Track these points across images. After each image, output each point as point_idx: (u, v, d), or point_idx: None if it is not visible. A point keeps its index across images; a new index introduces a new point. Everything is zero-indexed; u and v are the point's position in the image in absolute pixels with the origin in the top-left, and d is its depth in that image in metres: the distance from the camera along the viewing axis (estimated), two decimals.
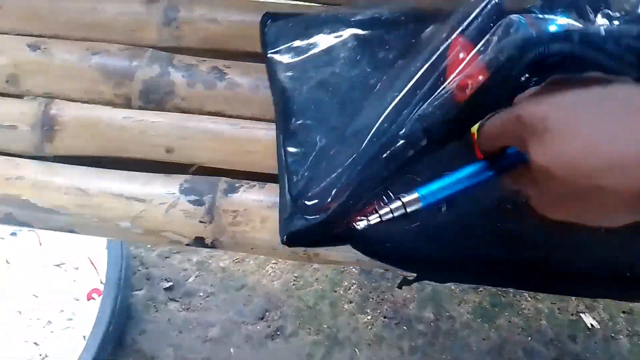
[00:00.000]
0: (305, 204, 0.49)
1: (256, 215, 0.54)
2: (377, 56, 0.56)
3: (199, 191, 0.55)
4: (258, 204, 0.54)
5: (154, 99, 0.59)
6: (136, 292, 1.13)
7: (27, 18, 0.64)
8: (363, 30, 0.57)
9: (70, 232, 0.57)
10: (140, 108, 0.59)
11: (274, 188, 0.55)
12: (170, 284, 1.12)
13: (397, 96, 0.47)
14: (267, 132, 0.57)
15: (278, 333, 1.10)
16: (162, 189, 0.56)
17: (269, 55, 0.57)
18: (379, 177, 0.46)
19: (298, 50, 0.57)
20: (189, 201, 0.55)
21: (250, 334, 1.10)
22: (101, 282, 1.06)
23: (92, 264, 1.08)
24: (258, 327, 1.10)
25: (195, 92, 0.59)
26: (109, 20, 0.62)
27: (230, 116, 0.58)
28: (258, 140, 0.57)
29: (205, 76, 0.59)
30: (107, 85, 0.60)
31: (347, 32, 0.57)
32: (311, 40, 0.57)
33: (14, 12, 0.64)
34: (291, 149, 0.53)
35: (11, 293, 1.07)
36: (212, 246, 0.55)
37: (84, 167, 0.58)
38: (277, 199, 0.53)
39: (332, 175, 0.49)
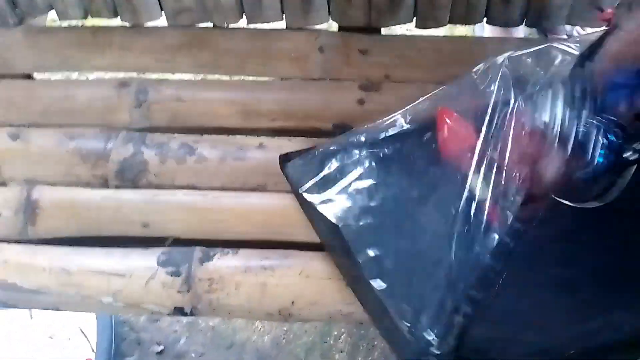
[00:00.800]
0: (428, 339, 0.49)
1: (230, 282, 0.57)
2: (405, 169, 0.58)
3: (175, 262, 0.58)
4: (232, 270, 0.57)
5: (129, 177, 0.63)
6: (128, 359, 1.14)
7: (6, 108, 0.68)
8: (379, 149, 0.59)
9: (55, 310, 0.60)
10: (116, 187, 0.63)
11: (247, 253, 0.58)
12: (161, 347, 1.13)
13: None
14: (236, 201, 0.61)
15: None
16: (141, 263, 0.59)
17: (302, 194, 0.59)
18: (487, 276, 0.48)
19: (326, 184, 0.58)
20: (167, 272, 0.58)
21: None
22: (93, 351, 1.07)
23: (83, 333, 1.09)
24: None
25: (167, 168, 0.63)
26: (83, 105, 0.67)
27: (200, 188, 0.62)
28: (228, 209, 0.61)
29: (176, 152, 0.63)
30: (85, 168, 0.63)
31: (365, 155, 0.59)
32: (333, 171, 0.59)
33: None
34: (376, 284, 0.53)
35: None
36: (192, 314, 0.58)
37: (66, 247, 0.61)
38: (250, 264, 0.57)
39: (436, 300, 0.49)
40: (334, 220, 0.56)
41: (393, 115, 0.57)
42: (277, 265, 0.58)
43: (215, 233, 0.60)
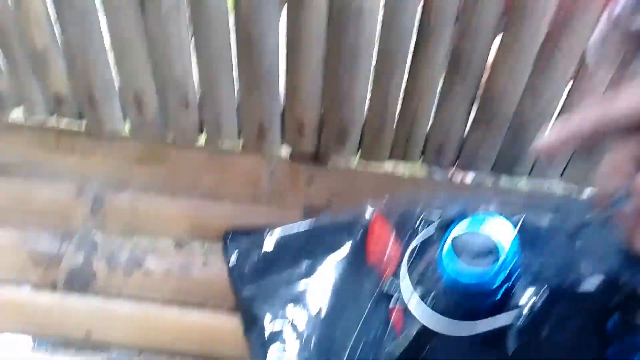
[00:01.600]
0: None
1: None
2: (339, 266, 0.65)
3: None
4: None
5: (78, 284, 0.66)
6: None
7: None
8: (318, 242, 0.66)
9: None
10: (65, 292, 0.66)
11: None
12: None
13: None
14: (177, 316, 0.65)
15: None
16: None
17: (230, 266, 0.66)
18: None
19: (258, 272, 0.66)
20: None
21: None
22: None
23: None
24: None
25: (115, 279, 0.67)
26: (40, 208, 0.70)
27: (145, 300, 0.66)
28: (170, 323, 0.65)
29: (125, 263, 0.67)
30: (36, 271, 0.67)
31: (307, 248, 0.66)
32: (270, 257, 0.66)
33: None
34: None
35: None
36: None
37: (8, 352, 0.64)
38: None
39: None
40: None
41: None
42: None
43: (155, 345, 0.65)
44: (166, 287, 0.67)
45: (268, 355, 0.60)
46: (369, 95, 0.68)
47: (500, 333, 0.44)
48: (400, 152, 0.74)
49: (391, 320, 0.55)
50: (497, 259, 0.41)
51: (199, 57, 0.66)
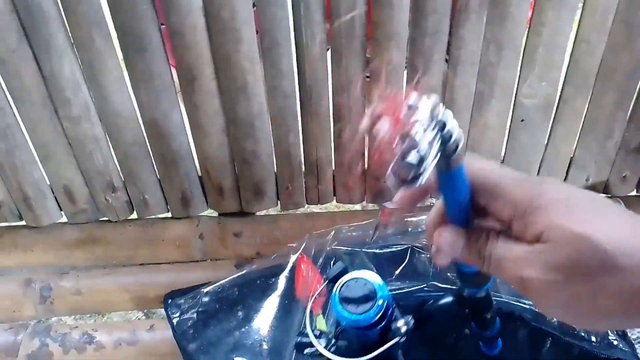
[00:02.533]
0: None
1: None
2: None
3: None
4: None
5: None
6: None
7: None
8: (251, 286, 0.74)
9: None
10: None
11: None
12: None
13: None
14: None
15: None
16: None
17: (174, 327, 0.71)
18: None
19: (199, 324, 0.71)
20: None
21: None
22: None
23: None
24: None
25: (70, 358, 0.72)
26: None
27: None
28: None
29: (77, 342, 0.73)
30: None
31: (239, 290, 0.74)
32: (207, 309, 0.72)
33: None
34: None
35: None
36: None
37: None
38: None
39: None
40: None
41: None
42: None
43: None
44: (118, 356, 0.73)
45: None
46: (273, 153, 0.77)
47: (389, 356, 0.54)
48: (314, 196, 0.82)
49: None
50: (375, 301, 0.51)
51: (114, 146, 0.73)
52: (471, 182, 0.34)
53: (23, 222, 0.79)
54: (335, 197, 0.83)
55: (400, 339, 0.53)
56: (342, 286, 0.54)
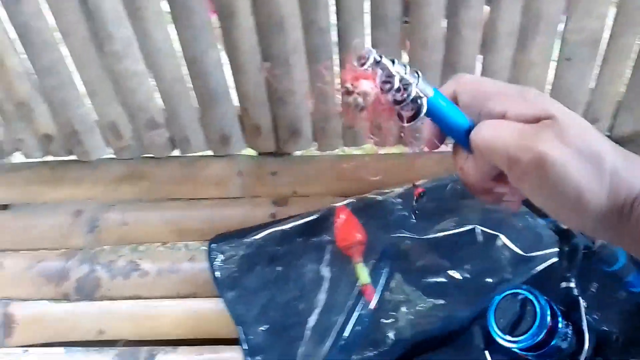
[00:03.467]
0: None
1: None
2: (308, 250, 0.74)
3: None
4: None
5: (86, 292, 0.77)
6: None
7: None
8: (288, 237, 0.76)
9: None
10: (75, 300, 0.77)
11: (184, 351, 0.72)
12: None
13: None
14: (172, 308, 0.75)
15: None
16: None
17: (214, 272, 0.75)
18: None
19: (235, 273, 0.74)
20: None
21: None
22: None
23: None
24: None
25: (116, 283, 0.77)
26: (44, 232, 0.81)
27: (144, 298, 0.76)
28: (167, 315, 0.75)
29: (123, 269, 0.77)
30: (49, 286, 0.78)
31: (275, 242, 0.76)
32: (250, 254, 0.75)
33: None
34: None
35: None
36: None
37: (38, 353, 0.75)
38: (188, 358, 0.71)
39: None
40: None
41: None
42: None
43: (157, 335, 0.75)
44: (160, 284, 0.77)
45: None
46: (310, 92, 0.77)
47: None
48: (350, 137, 0.82)
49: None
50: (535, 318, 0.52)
51: (157, 83, 0.76)
52: (462, 97, 0.35)
53: (73, 157, 0.84)
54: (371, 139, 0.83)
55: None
56: (495, 309, 0.55)
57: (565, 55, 0.74)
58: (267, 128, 0.81)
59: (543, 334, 0.51)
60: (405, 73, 0.32)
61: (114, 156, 0.84)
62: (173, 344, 0.74)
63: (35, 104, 0.77)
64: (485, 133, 0.32)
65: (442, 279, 0.68)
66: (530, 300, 0.52)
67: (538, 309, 0.51)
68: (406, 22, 0.73)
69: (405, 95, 0.32)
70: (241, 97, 0.77)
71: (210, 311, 0.74)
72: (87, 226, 0.81)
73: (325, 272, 0.72)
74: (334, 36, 0.72)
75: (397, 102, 0.33)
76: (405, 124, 0.33)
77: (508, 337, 0.52)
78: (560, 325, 0.52)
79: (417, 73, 0.33)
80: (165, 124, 0.80)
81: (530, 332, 0.51)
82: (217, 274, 0.74)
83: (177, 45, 0.73)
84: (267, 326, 0.70)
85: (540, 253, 0.66)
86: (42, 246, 0.81)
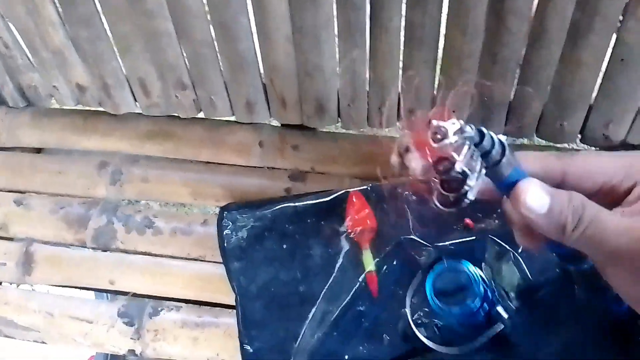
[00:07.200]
0: None
1: (170, 334, 0.74)
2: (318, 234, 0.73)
3: (131, 315, 0.75)
4: (173, 324, 0.74)
5: (102, 242, 0.80)
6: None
7: (14, 176, 0.86)
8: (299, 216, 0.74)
9: (42, 343, 0.78)
10: (92, 249, 0.80)
11: (187, 310, 0.75)
12: None
13: None
14: (181, 267, 0.77)
15: None
16: (106, 313, 0.76)
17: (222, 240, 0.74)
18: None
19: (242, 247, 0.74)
20: (124, 322, 0.75)
21: None
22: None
23: None
24: None
25: (131, 237, 0.79)
26: (71, 179, 0.84)
27: (155, 255, 0.78)
28: (175, 273, 0.77)
29: (138, 224, 0.79)
30: (69, 232, 0.81)
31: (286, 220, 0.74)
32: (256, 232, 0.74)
33: (3, 172, 0.86)
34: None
35: None
36: (141, 356, 0.75)
37: (53, 295, 0.79)
38: (188, 320, 0.73)
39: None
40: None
41: None
42: (208, 323, 0.74)
43: (163, 292, 0.77)
44: (172, 243, 0.79)
45: None
46: (338, 68, 0.74)
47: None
48: (377, 118, 0.79)
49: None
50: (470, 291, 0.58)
51: (185, 44, 0.75)
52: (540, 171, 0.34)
53: (104, 109, 0.85)
54: (398, 123, 0.80)
55: (501, 326, 0.59)
56: (435, 277, 0.60)
57: (620, 55, 0.67)
58: (292, 101, 0.79)
59: None
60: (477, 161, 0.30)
61: (141, 112, 0.85)
62: (178, 301, 0.76)
63: (69, 53, 0.79)
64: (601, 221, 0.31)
65: None
66: None
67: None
68: None
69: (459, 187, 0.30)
70: (268, 67, 0.76)
71: (216, 276, 0.75)
72: (111, 178, 0.83)
73: (332, 257, 0.71)
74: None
75: (445, 181, 0.31)
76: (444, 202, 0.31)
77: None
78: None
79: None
80: (193, 86, 0.80)
81: None
82: (225, 242, 0.74)
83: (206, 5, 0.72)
84: (266, 302, 0.70)
85: None
86: (67, 192, 0.84)
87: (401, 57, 0.72)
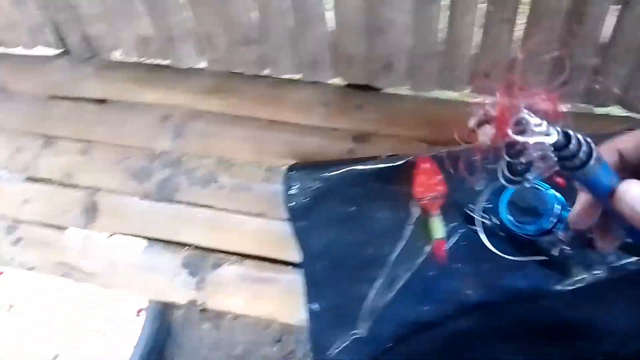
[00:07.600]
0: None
1: (231, 287, 0.75)
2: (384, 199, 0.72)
3: (193, 266, 0.76)
4: (233, 277, 0.75)
5: (165, 194, 0.81)
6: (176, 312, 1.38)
7: (78, 126, 0.87)
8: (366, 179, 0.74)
9: (105, 287, 0.80)
10: (155, 200, 0.81)
11: (248, 264, 0.75)
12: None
13: None
14: (242, 223, 0.77)
15: (291, 355, 1.30)
16: (170, 263, 0.77)
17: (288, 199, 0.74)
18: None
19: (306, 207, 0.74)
20: (187, 273, 0.76)
21: (267, 354, 1.31)
22: (148, 302, 1.29)
23: None
24: (274, 349, 1.32)
25: (194, 190, 0.80)
26: (135, 131, 0.85)
27: (217, 209, 0.79)
28: (237, 228, 0.77)
29: (201, 179, 0.80)
30: (133, 182, 0.82)
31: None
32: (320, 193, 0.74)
33: (68, 122, 0.87)
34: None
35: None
36: (202, 307, 0.76)
37: (116, 241, 0.81)
38: (249, 274, 0.74)
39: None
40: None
41: None
42: (268, 279, 0.75)
43: (223, 246, 0.78)
44: (234, 199, 0.79)
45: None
46: (410, 26, 0.72)
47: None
48: (447, 80, 0.77)
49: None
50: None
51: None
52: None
53: (167, 62, 0.85)
54: (470, 86, 0.77)
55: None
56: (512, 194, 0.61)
57: None
58: (359, 58, 0.77)
59: None
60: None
61: (205, 67, 0.85)
62: (241, 255, 0.77)
63: (136, 4, 0.78)
64: None
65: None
66: None
67: None
68: None
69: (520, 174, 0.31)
70: (337, 22, 0.74)
71: (276, 233, 0.76)
72: (173, 132, 0.83)
73: (400, 222, 0.70)
74: None
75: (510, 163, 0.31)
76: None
77: None
78: None
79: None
80: (258, 42, 0.79)
81: None
82: (291, 201, 0.74)
83: None
84: (331, 262, 0.70)
85: None
86: (130, 144, 0.85)
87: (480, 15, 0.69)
